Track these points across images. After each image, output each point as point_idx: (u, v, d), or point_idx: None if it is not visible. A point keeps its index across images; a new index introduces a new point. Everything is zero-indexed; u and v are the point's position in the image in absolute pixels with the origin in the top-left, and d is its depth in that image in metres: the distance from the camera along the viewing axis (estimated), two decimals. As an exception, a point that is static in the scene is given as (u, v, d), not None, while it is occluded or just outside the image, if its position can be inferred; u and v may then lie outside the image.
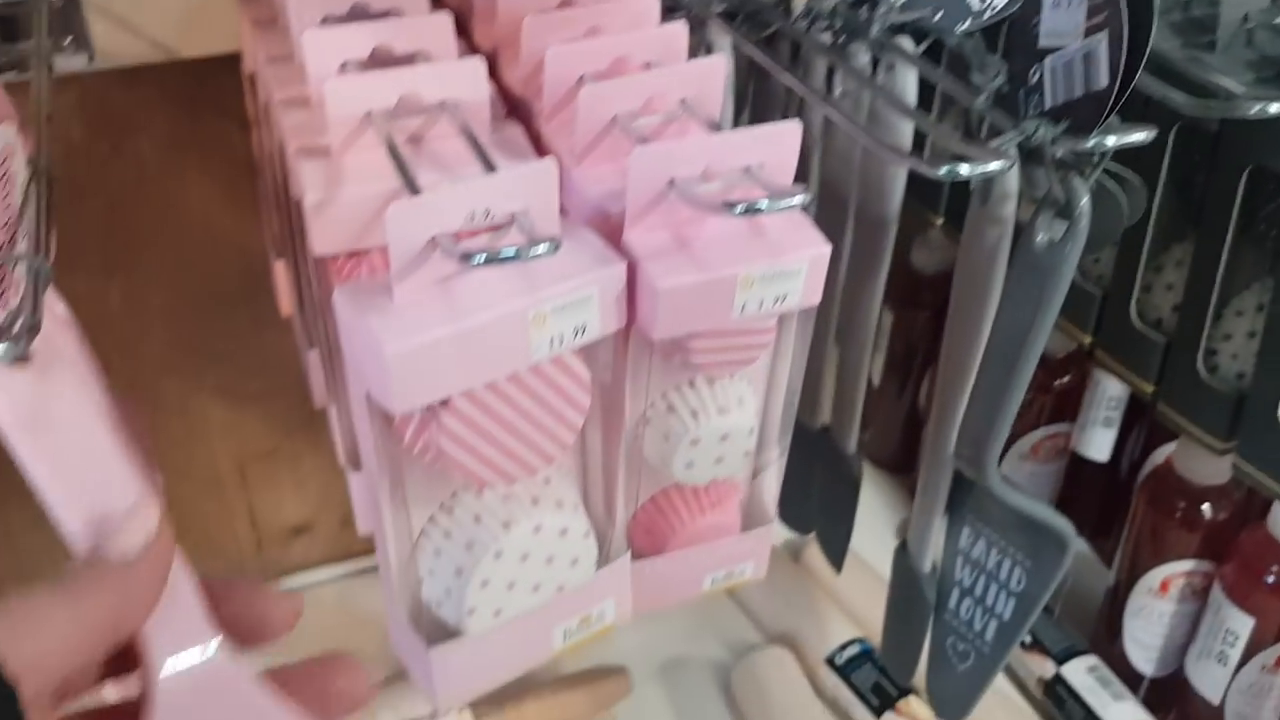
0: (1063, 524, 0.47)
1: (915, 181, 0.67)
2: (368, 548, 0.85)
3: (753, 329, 0.41)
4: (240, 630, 0.30)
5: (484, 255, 0.33)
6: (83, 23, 0.56)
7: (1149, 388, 0.56)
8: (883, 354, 0.84)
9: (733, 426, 0.44)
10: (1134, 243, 0.54)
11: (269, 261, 0.68)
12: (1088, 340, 0.59)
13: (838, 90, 0.51)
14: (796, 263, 0.38)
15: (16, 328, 0.29)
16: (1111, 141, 0.38)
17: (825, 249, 0.39)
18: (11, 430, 0.28)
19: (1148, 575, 0.66)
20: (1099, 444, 0.75)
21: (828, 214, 0.54)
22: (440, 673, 0.43)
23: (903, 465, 0.86)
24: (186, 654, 0.28)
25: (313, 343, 0.58)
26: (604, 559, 0.46)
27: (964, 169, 0.36)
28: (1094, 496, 0.79)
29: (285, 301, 0.65)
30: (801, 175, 0.53)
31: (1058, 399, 0.73)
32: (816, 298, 0.40)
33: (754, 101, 0.56)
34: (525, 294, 0.36)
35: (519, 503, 0.42)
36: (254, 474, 0.79)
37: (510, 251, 0.34)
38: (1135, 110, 0.49)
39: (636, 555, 0.47)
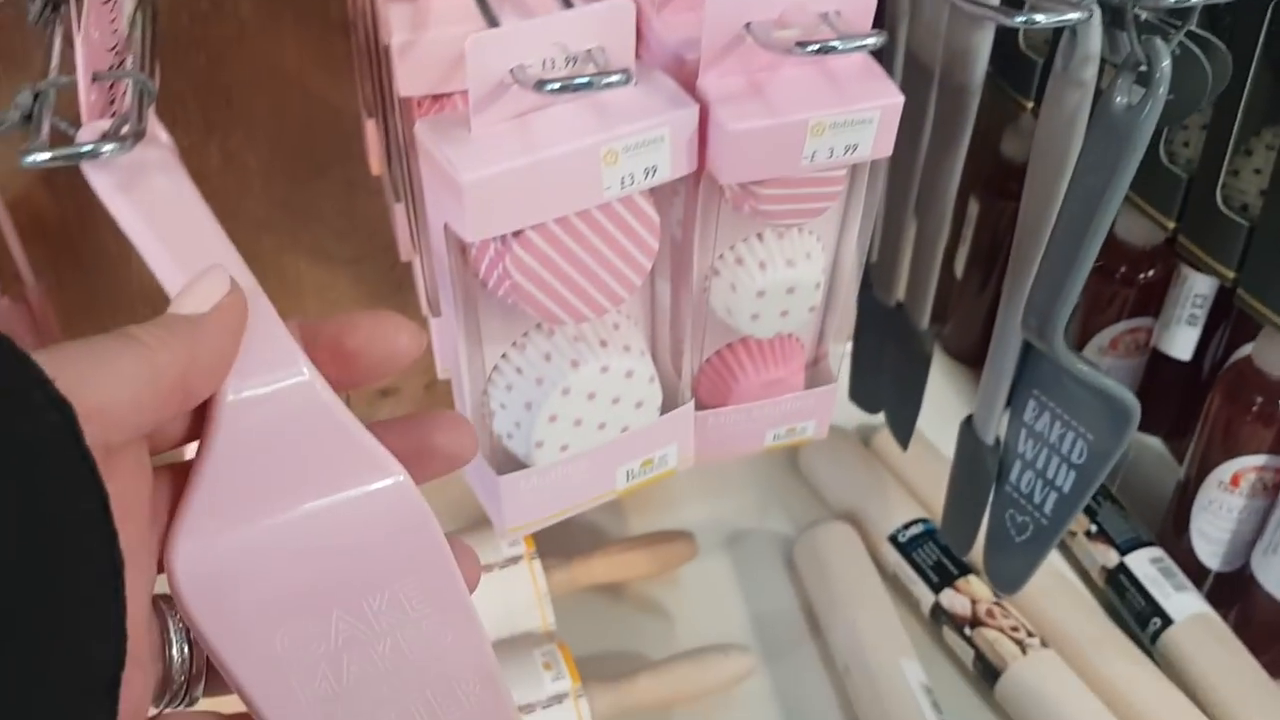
0: (1127, 395, 0.47)
1: (1008, 65, 0.67)
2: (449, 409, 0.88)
3: (822, 179, 0.42)
4: (359, 367, 0.30)
5: (558, 83, 0.35)
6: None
7: (1230, 274, 0.55)
8: (967, 245, 0.84)
9: (799, 280, 0.45)
10: (1223, 124, 0.53)
11: (361, 123, 0.69)
12: (1171, 226, 0.58)
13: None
14: (868, 111, 0.39)
15: (124, 130, 0.31)
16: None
17: (898, 99, 0.39)
18: (125, 215, 0.30)
19: (1219, 469, 0.66)
20: (1182, 342, 0.74)
21: (912, 84, 0.54)
22: (508, 500, 0.45)
23: (981, 359, 0.86)
24: (258, 378, 0.28)
25: (399, 196, 0.59)
26: (668, 406, 0.47)
27: (1040, 17, 0.36)
28: (1173, 395, 0.78)
29: (375, 160, 0.67)
30: (889, 46, 0.53)
31: (1141, 292, 0.72)
32: (888, 150, 0.41)
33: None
34: (598, 131, 0.37)
35: (588, 344, 0.44)
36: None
37: (584, 80, 0.35)
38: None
39: (701, 406, 0.49)
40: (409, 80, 0.43)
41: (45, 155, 0.30)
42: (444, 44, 0.42)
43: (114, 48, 0.38)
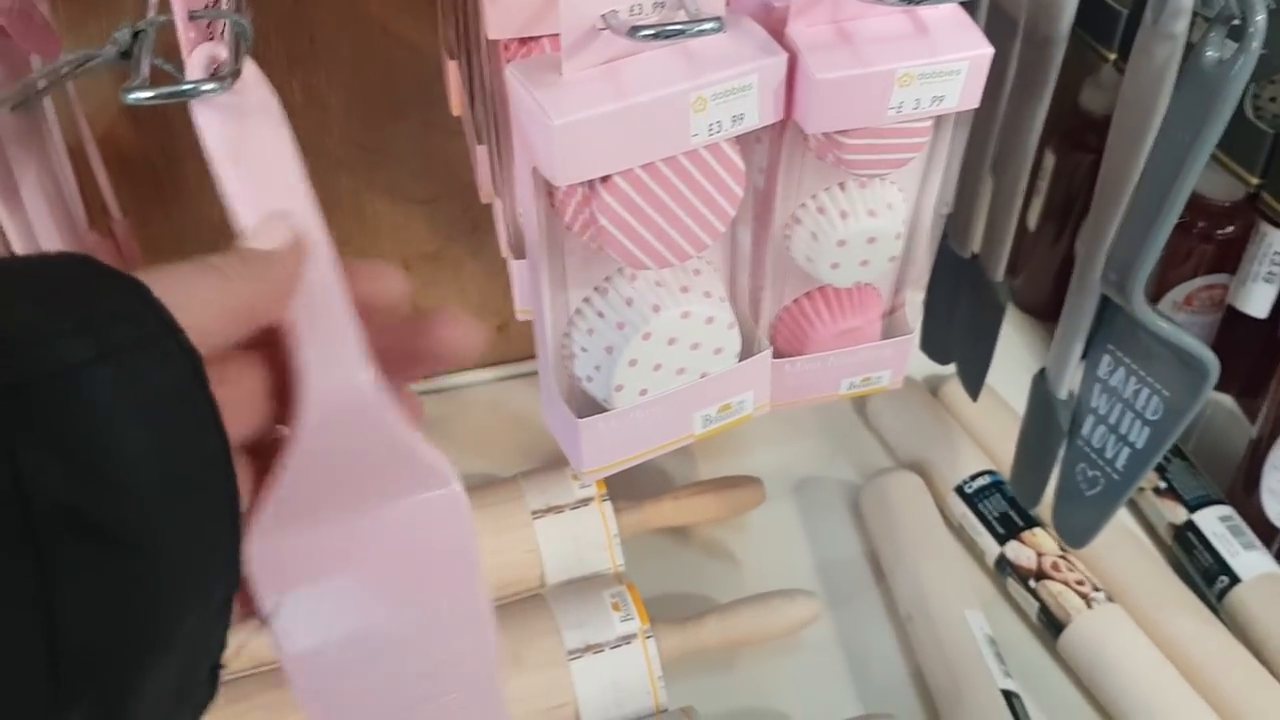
0: (1206, 353, 0.47)
1: (1091, 16, 0.66)
2: (521, 354, 0.89)
3: (907, 129, 0.42)
4: (426, 364, 0.33)
5: (652, 30, 0.35)
6: None
7: (1316, 232, 0.54)
8: (1041, 198, 0.83)
9: (880, 230, 0.45)
10: (1318, 76, 0.52)
11: (441, 66, 0.70)
12: (1255, 182, 0.57)
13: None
14: (956, 63, 0.39)
15: (223, 70, 0.32)
16: (1299, -53, 0.37)
17: (987, 50, 0.39)
18: (218, 152, 0.31)
19: (1294, 428, 0.66)
20: (1258, 299, 0.73)
21: (996, 35, 0.53)
22: (587, 442, 0.46)
23: (1052, 312, 0.85)
24: (337, 385, 0.30)
25: (481, 138, 0.60)
26: (746, 352, 0.48)
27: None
28: (1248, 354, 0.77)
29: (456, 101, 0.68)
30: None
31: (1219, 248, 0.71)
32: (975, 101, 0.41)
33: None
34: (687, 78, 0.38)
35: (669, 289, 0.45)
36: (417, 274, 0.83)
37: (677, 27, 0.35)
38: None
39: (778, 354, 0.50)
40: (499, 23, 0.44)
41: (148, 93, 0.31)
42: (534, -12, 0.43)
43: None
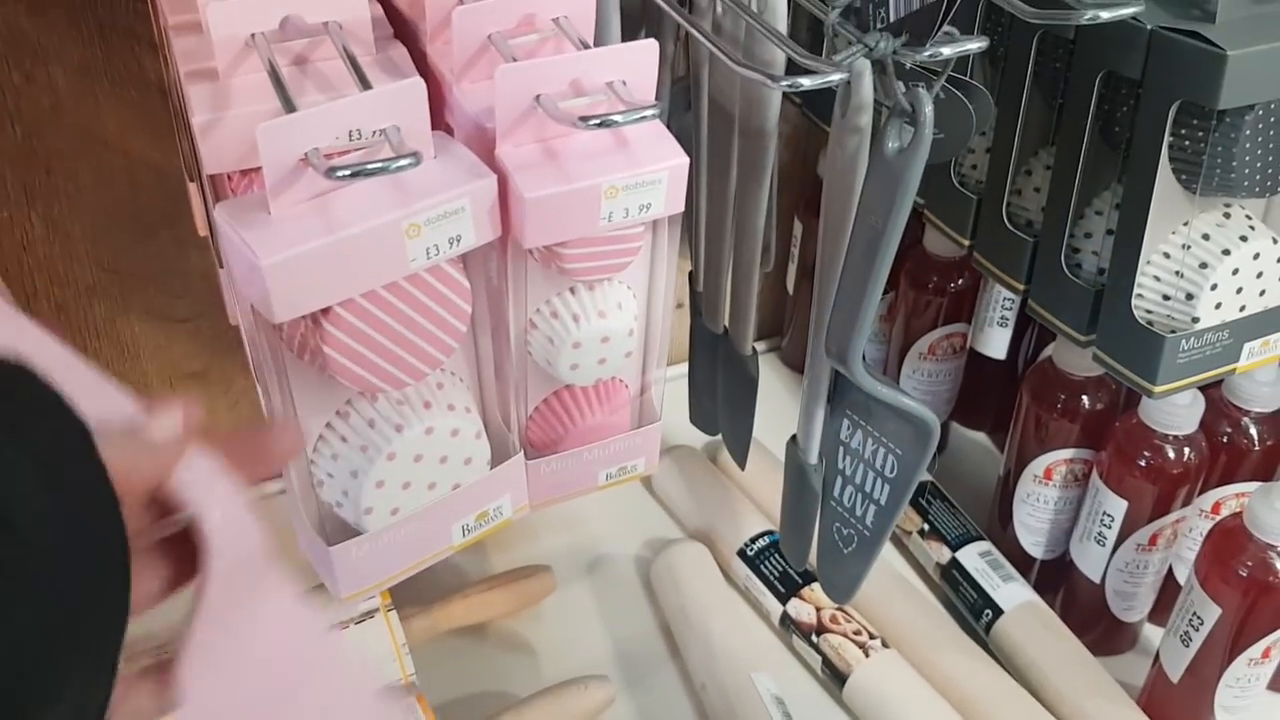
0: (924, 412, 0.50)
1: (819, 98, 0.70)
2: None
3: (622, 236, 0.44)
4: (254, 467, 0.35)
5: (349, 170, 0.36)
6: (-19, -49, 0.57)
7: (1020, 286, 0.59)
8: (795, 263, 0.87)
9: (612, 329, 0.47)
10: (1003, 148, 0.57)
11: (186, 184, 0.69)
12: (966, 243, 0.62)
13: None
14: (657, 173, 0.41)
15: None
16: (948, 52, 0.41)
17: (683, 160, 0.42)
18: None
19: (1033, 463, 0.71)
20: (995, 343, 0.78)
21: (716, 127, 0.56)
22: (342, 569, 0.46)
23: (818, 369, 0.90)
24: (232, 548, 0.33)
25: (222, 262, 0.60)
26: (501, 457, 0.49)
27: (804, 81, 0.39)
28: (993, 393, 0.83)
29: (200, 222, 0.67)
30: (695, 89, 0.56)
31: (953, 300, 0.77)
32: (679, 206, 0.43)
33: (648, 23, 0.58)
34: (399, 206, 0.39)
35: (411, 406, 0.45)
36: (185, 393, 0.81)
37: (375, 165, 0.36)
38: (1000, 19, 0.52)
39: (534, 454, 0.51)
40: (214, 158, 0.44)
41: None
42: (245, 124, 0.43)
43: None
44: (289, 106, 0.40)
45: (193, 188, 0.66)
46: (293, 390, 0.43)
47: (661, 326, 0.51)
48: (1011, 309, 0.76)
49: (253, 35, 0.43)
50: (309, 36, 0.45)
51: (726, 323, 0.64)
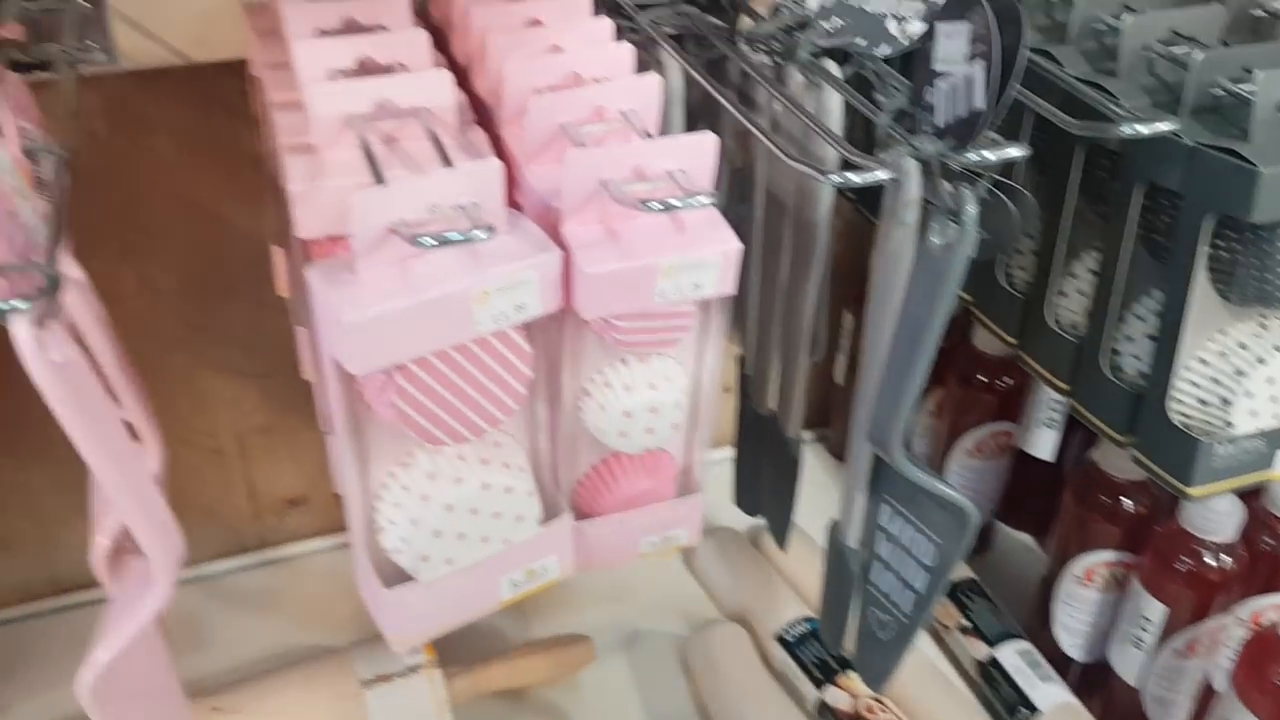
0: (963, 501, 0.52)
1: (871, 194, 0.73)
2: (357, 521, 0.90)
3: (674, 313, 0.47)
4: None
5: (433, 239, 0.39)
6: (106, 28, 0.62)
7: (1065, 387, 0.61)
8: (844, 354, 0.89)
9: (661, 401, 0.50)
10: (1048, 250, 0.59)
11: (269, 248, 0.73)
12: (1013, 342, 0.64)
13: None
14: (711, 255, 0.44)
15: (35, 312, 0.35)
16: (991, 157, 0.43)
17: (736, 244, 0.44)
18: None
19: (1074, 564, 0.71)
20: (1043, 443, 0.79)
21: (771, 217, 0.59)
22: (395, 613, 0.48)
23: (865, 461, 0.91)
24: None
25: (301, 321, 0.63)
26: (548, 518, 0.51)
27: (854, 177, 0.42)
28: (1039, 494, 0.84)
29: (282, 284, 0.71)
30: (749, 176, 0.59)
31: (1001, 398, 0.78)
32: (730, 288, 0.46)
33: (705, 113, 0.62)
34: (471, 274, 0.42)
35: (470, 462, 0.48)
36: (253, 447, 0.84)
37: (455, 235, 0.39)
38: (1047, 131, 0.55)
39: (579, 516, 0.53)
40: (307, 224, 0.47)
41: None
42: (336, 194, 0.46)
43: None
44: (378, 179, 0.43)
45: (277, 251, 0.71)
46: (362, 439, 0.46)
47: (708, 403, 0.53)
48: (1060, 410, 0.77)
49: (348, 115, 0.47)
50: (398, 118, 0.48)
51: (773, 405, 0.66)
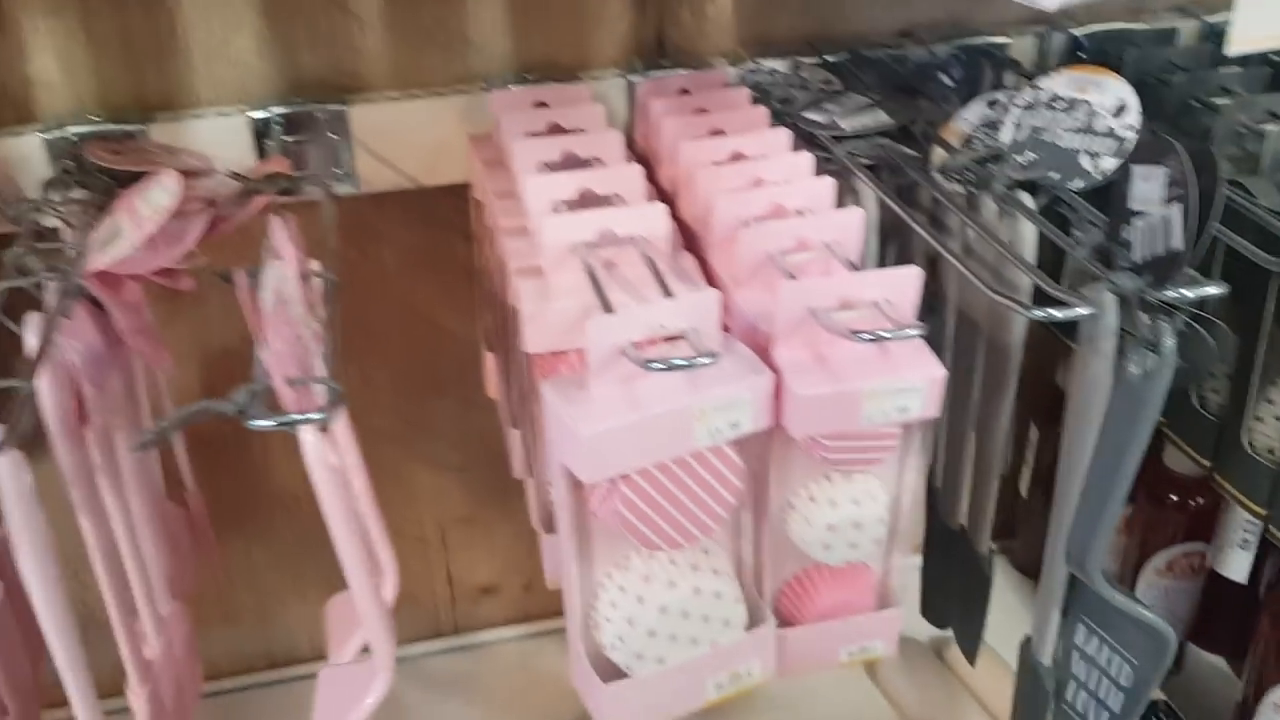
0: (1162, 624, 0.53)
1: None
2: (546, 611, 0.95)
3: (879, 433, 0.49)
4: None
5: (661, 364, 0.43)
6: (351, 158, 0.70)
7: (1261, 511, 0.61)
8: (1030, 468, 0.90)
9: (864, 516, 0.52)
10: (1244, 375, 0.60)
11: (479, 352, 0.79)
12: (1206, 464, 0.64)
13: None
14: (915, 381, 0.47)
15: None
16: (1189, 294, 0.45)
17: (941, 372, 0.47)
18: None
19: (1273, 691, 0.69)
20: (1237, 564, 0.78)
21: (963, 337, 0.62)
22: (613, 706, 0.51)
23: (1048, 574, 0.91)
24: None
25: (516, 423, 0.68)
26: (752, 623, 0.54)
27: (1056, 313, 0.44)
28: (1233, 617, 0.82)
29: (492, 386, 0.76)
30: (941, 302, 0.61)
31: (1193, 518, 0.77)
32: (934, 411, 0.48)
33: (896, 235, 0.65)
34: (692, 394, 0.46)
35: (682, 567, 0.51)
36: (453, 537, 0.90)
37: (681, 361, 0.43)
38: (1240, 261, 0.56)
39: (781, 624, 0.55)
40: (535, 340, 0.52)
41: (267, 422, 0.40)
42: (562, 315, 0.51)
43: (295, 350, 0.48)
44: (605, 305, 0.48)
45: (489, 356, 0.76)
46: (584, 540, 0.50)
47: (907, 519, 0.55)
48: (1254, 531, 0.76)
49: (573, 243, 0.52)
50: (617, 245, 0.53)
51: (963, 520, 0.67)
